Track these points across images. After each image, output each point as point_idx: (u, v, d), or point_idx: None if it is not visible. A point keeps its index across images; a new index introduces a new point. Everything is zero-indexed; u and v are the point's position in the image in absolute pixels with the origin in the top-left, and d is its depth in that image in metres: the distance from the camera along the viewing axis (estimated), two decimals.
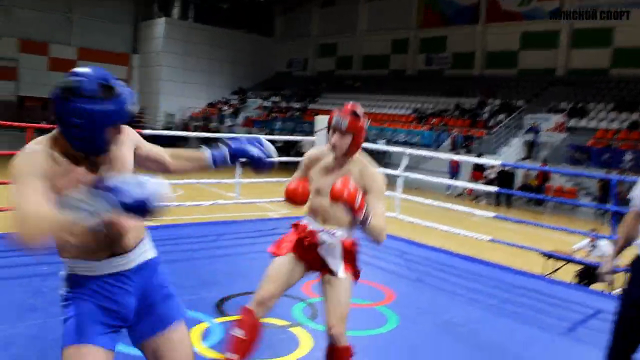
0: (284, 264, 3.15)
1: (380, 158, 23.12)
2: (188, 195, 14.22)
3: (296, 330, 3.98)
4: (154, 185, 1.73)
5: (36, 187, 1.75)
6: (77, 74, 1.83)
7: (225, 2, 39.98)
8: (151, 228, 6.94)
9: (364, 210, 2.71)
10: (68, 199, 1.64)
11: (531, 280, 5.99)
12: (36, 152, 1.84)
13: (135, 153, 2.12)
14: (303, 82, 36.63)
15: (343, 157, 2.99)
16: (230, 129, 31.54)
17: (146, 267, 2.09)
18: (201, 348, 3.56)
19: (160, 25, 37.54)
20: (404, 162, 7.75)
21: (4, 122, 6.69)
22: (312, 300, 4.63)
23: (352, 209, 2.68)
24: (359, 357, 3.58)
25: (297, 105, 33.26)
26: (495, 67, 28.78)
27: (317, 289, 4.86)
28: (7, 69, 35.65)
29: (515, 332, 4.44)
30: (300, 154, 25.48)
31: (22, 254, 5.30)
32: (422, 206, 8.16)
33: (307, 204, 3.12)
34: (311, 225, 3.09)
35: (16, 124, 6.63)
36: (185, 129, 33.33)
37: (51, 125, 10.55)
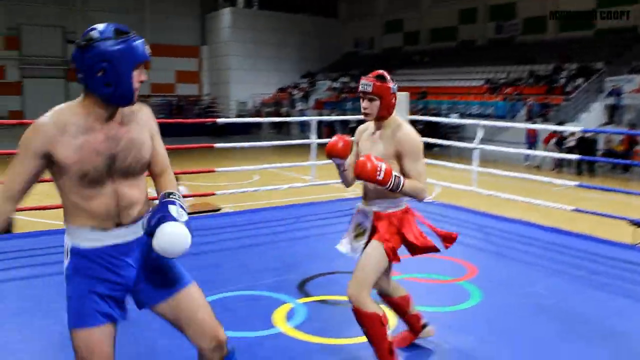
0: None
1: (454, 132, 22.76)
2: (264, 179, 14.49)
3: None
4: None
5: (22, 167, 1.93)
6: (93, 28, 1.96)
7: None
8: (234, 213, 7.16)
9: (390, 180, 2.77)
10: None
11: (621, 250, 5.75)
12: (40, 126, 1.93)
13: None
14: (370, 61, 36.33)
15: (378, 123, 3.07)
16: (301, 113, 31.74)
17: (146, 238, 2.05)
18: (286, 328, 3.64)
19: (226, 15, 38.07)
20: (479, 134, 7.59)
21: None
22: (394, 277, 4.62)
23: (376, 183, 2.78)
24: (444, 333, 3.57)
25: None
26: (570, 29, 27.58)
27: (397, 265, 4.88)
28: None
29: (607, 303, 4.27)
30: None
31: None
32: (500, 178, 7.98)
33: None
34: (361, 202, 3.22)
35: None
36: (258, 115, 33.81)
37: None
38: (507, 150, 8.69)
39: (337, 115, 26.07)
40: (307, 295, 4.23)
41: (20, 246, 5.33)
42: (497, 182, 10.72)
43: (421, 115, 18.21)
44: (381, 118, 3.03)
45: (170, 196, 2.08)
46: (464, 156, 19.78)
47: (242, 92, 37.28)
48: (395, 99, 3.06)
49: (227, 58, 37.98)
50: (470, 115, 22.90)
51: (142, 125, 2.13)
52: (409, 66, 32.70)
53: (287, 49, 39.01)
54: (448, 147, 12.01)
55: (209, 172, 7.41)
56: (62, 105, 2.02)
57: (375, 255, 3.00)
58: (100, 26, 1.96)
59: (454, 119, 19.54)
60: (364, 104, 3.01)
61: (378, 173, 2.74)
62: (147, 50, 2.05)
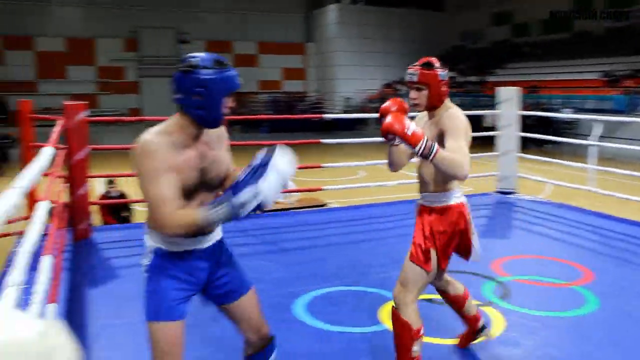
0: None
1: (568, 128, 21.71)
2: (370, 175, 14.50)
3: (487, 310, 3.90)
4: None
5: (169, 182, 2.08)
6: (195, 56, 2.15)
7: None
8: (341, 209, 7.22)
9: (422, 143, 2.56)
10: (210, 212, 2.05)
11: None
12: (161, 145, 2.10)
13: None
14: (478, 55, 35.40)
15: (431, 113, 2.92)
16: None
17: (217, 246, 2.34)
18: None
19: (332, 11, 38.38)
20: (596, 130, 7.21)
21: None
22: (503, 279, 4.51)
23: (403, 138, 2.58)
24: (556, 340, 3.44)
25: (473, 79, 32.24)
26: None
27: (507, 267, 4.75)
28: None
29: None
30: (481, 129, 24.54)
31: None
32: (619, 177, 7.55)
33: None
34: (419, 199, 3.12)
35: None
36: (363, 111, 33.87)
37: (237, 117, 11.18)
38: (627, 147, 8.19)
39: None
40: None
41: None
42: (615, 182, 10.15)
43: (532, 110, 17.54)
44: (432, 108, 2.88)
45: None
46: (578, 154, 18.88)
47: (348, 88, 37.47)
48: (447, 87, 2.88)
49: (333, 54, 38.30)
50: (585, 110, 21.77)
51: (221, 143, 2.34)
52: (518, 59, 31.52)
53: (393, 44, 38.78)
54: (561, 144, 11.48)
55: (315, 167, 7.53)
56: (158, 127, 2.18)
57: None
58: (202, 55, 2.16)
59: (568, 114, 18.67)
60: (411, 94, 2.85)
61: (407, 129, 2.56)
62: (240, 80, 2.21)
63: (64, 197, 5.39)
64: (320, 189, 7.61)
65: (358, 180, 12.78)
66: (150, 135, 2.12)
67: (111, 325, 3.62)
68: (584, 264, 4.91)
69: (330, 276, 4.59)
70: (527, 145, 11.43)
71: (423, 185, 2.99)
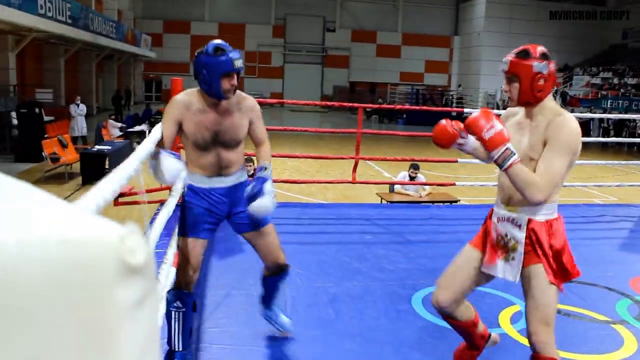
0: (463, 257, 2.82)
1: None
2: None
3: (619, 328, 3.64)
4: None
5: (168, 126, 2.83)
6: (208, 44, 2.80)
7: None
8: (473, 206, 7.04)
9: (499, 149, 2.26)
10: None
11: None
12: (176, 101, 2.87)
13: (249, 126, 2.99)
14: None
15: (529, 111, 2.48)
16: None
17: (239, 186, 2.95)
18: (510, 330, 3.51)
19: (480, 4, 37.23)
20: None
21: (340, 104, 7.52)
22: None
23: (479, 138, 2.29)
24: None
25: (632, 81, 29.91)
26: None
27: None
28: (342, 58, 39.32)
29: None
30: (637, 136, 22.73)
31: (337, 223, 5.85)
32: None
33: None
34: (496, 206, 2.64)
35: (348, 104, 7.45)
36: (505, 109, 32.66)
37: (377, 106, 11.50)
38: None
39: (593, 113, 24.11)
40: None
41: None
42: None
43: None
44: (527, 104, 2.45)
45: (265, 171, 2.95)
46: None
47: (491, 84, 36.25)
48: (547, 81, 2.41)
49: (478, 49, 37.21)
50: None
51: (243, 112, 2.93)
52: None
53: (542, 41, 36.68)
54: None
55: (450, 162, 7.38)
56: (190, 90, 2.90)
57: (545, 286, 2.44)
58: (210, 43, 2.80)
59: None
60: (504, 85, 2.49)
61: (487, 130, 2.26)
62: (239, 63, 2.75)
63: None
64: (454, 184, 7.45)
65: (493, 179, 12.35)
66: (181, 93, 2.90)
67: (230, 295, 3.79)
68: None
69: None
70: None
71: (517, 198, 2.48)
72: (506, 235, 2.53)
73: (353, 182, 6.51)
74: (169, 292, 2.88)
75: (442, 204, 8.10)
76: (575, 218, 6.75)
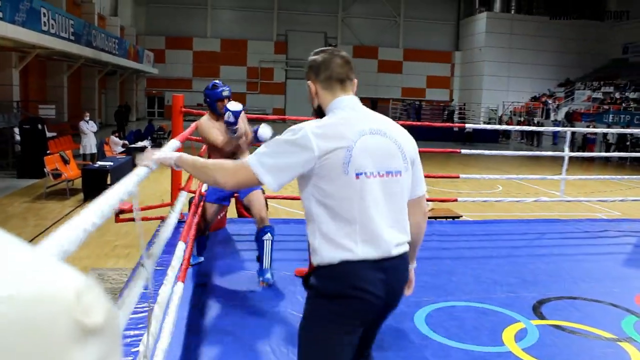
0: None
1: None
2: (506, 191, 13.96)
3: (626, 346, 3.59)
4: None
5: (216, 133, 4.63)
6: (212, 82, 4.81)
7: None
8: (475, 222, 7.02)
9: None
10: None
11: None
12: (205, 120, 4.73)
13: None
14: None
15: None
16: (554, 124, 29.98)
17: None
18: (515, 348, 3.46)
19: (481, 20, 37.42)
20: None
21: None
22: None
23: None
24: None
25: (633, 95, 29.93)
26: None
27: None
28: None
29: None
30: (639, 149, 22.67)
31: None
32: None
33: None
34: None
35: None
36: (507, 124, 32.68)
37: None
38: None
39: (594, 127, 24.10)
40: (541, 317, 3.97)
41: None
42: None
43: None
44: None
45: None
46: None
47: (492, 99, 36.37)
48: None
49: (480, 64, 37.34)
50: None
51: (243, 123, 4.68)
52: None
53: (543, 55, 37.04)
54: None
55: (453, 177, 7.35)
56: (206, 116, 4.78)
57: None
58: (211, 82, 4.82)
59: None
60: None
61: None
62: (226, 93, 4.69)
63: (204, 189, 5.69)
64: (456, 200, 7.43)
65: (495, 195, 12.33)
66: (204, 117, 4.75)
67: (230, 313, 3.76)
68: None
69: (455, 290, 4.46)
70: None
71: None
72: None
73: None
74: (263, 229, 4.37)
75: (444, 219, 8.07)
76: (579, 233, 6.71)
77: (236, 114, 4.37)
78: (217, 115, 4.62)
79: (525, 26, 36.90)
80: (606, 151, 23.33)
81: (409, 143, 2.11)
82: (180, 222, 4.83)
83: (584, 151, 24.04)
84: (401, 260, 2.03)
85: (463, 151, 7.35)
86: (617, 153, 20.29)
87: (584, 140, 25.33)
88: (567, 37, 37.16)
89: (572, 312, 4.09)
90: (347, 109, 2.07)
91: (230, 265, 4.86)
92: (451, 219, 8.34)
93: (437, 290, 4.42)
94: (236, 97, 4.97)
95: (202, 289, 4.23)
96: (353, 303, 1.92)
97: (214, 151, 4.60)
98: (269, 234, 4.36)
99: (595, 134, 23.43)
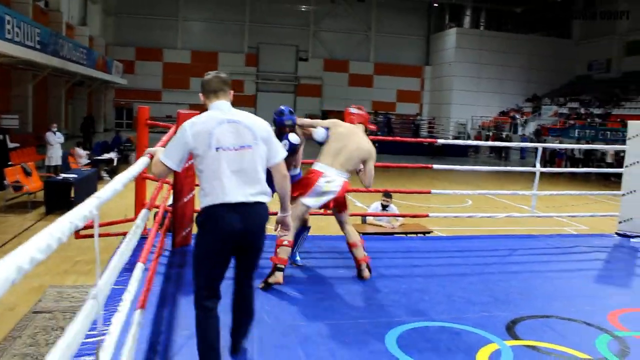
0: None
1: None
2: (477, 205, 13.97)
3: None
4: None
5: None
6: (280, 108, 5.10)
7: (518, 6, 38.69)
8: (446, 238, 6.97)
9: None
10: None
11: None
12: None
13: None
14: (605, 86, 33.50)
15: None
16: (522, 138, 30.34)
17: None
18: None
19: (451, 36, 37.85)
20: None
21: None
22: (621, 333, 4.06)
23: None
24: None
25: (597, 111, 30.49)
26: None
27: (626, 320, 4.29)
28: (314, 87, 39.50)
29: None
30: (604, 164, 23.11)
31: (308, 257, 5.68)
32: None
33: None
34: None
35: None
36: (477, 138, 33.00)
37: None
38: None
39: (561, 143, 24.45)
40: (515, 337, 3.87)
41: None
42: None
43: None
44: None
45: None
46: None
47: (462, 113, 36.72)
48: None
49: (449, 79, 37.71)
50: None
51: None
52: None
53: (512, 71, 37.60)
54: None
55: (424, 193, 7.28)
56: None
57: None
58: (279, 108, 5.05)
59: None
60: None
61: None
62: (289, 122, 4.98)
63: (168, 204, 5.51)
64: (427, 216, 7.36)
65: (466, 209, 12.32)
66: None
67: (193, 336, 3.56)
68: None
69: (428, 310, 4.34)
70: None
71: None
72: None
73: (324, 213, 6.35)
74: (304, 229, 4.91)
75: (415, 235, 7.99)
76: (550, 249, 6.68)
77: (293, 147, 4.62)
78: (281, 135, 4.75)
79: (494, 42, 37.42)
80: (572, 166, 23.66)
81: (259, 127, 3.09)
82: (143, 237, 4.62)
83: (552, 165, 24.35)
84: (254, 206, 2.95)
85: (435, 166, 7.30)
86: (584, 169, 20.56)
87: (552, 155, 25.69)
88: (535, 53, 37.79)
89: (545, 332, 4.00)
90: (215, 109, 3.09)
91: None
92: (422, 234, 8.27)
93: (409, 310, 4.30)
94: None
95: (167, 309, 4.02)
96: (214, 230, 2.88)
97: None
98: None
99: (564, 149, 23.75)
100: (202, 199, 2.96)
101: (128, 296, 2.38)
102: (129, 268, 3.56)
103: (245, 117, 3.09)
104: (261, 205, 3.00)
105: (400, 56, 40.36)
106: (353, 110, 5.19)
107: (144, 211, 3.88)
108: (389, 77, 40.17)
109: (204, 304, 2.93)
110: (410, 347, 3.58)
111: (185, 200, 5.44)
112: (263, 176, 3.03)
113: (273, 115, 5.01)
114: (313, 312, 4.10)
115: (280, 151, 3.20)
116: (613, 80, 34.30)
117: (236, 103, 2.99)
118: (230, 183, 2.89)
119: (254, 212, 2.96)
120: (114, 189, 2.21)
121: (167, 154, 3.02)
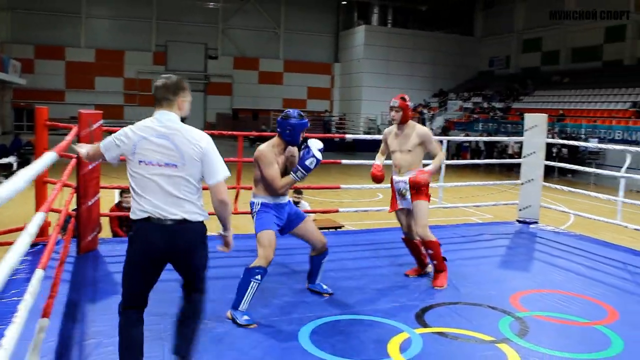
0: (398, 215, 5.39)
1: (593, 158, 21.29)
2: (386, 199, 14.26)
3: (503, 347, 3.67)
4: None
5: (275, 167, 4.18)
6: (289, 111, 4.30)
7: (424, 4, 39.82)
8: (356, 232, 7.12)
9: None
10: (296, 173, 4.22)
11: None
12: (268, 149, 4.22)
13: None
14: (506, 81, 35.09)
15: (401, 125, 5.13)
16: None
17: (289, 203, 4.43)
18: (400, 359, 3.43)
19: (359, 33, 38.42)
20: (627, 161, 6.97)
21: (222, 132, 7.34)
22: (521, 314, 4.28)
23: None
24: None
25: (499, 105, 31.90)
26: None
27: (526, 301, 4.52)
28: (224, 85, 39.08)
29: None
30: (505, 156, 24.24)
31: (218, 257, 5.62)
32: None
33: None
34: (394, 176, 5.14)
35: (229, 133, 7.32)
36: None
37: (259, 133, 10.98)
38: None
39: (467, 136, 25.38)
40: (425, 325, 3.99)
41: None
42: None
43: (558, 138, 17.21)
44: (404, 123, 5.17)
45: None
46: (601, 184, 18.51)
47: (372, 109, 37.34)
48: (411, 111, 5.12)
49: (359, 75, 38.28)
50: (612, 141, 21.35)
51: (294, 153, 4.39)
52: (546, 87, 31.19)
53: (420, 67, 38.63)
54: (584, 173, 11.17)
55: (334, 188, 7.36)
56: (269, 142, 4.29)
57: (426, 204, 5.15)
58: (292, 110, 4.30)
59: (596, 144, 18.32)
60: (392, 113, 5.17)
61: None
62: (309, 123, 4.35)
63: (72, 208, 5.29)
64: (337, 211, 7.44)
65: (376, 203, 12.57)
66: (264, 146, 4.24)
67: (104, 344, 3.44)
68: (608, 302, 4.65)
69: (340, 303, 4.40)
70: (548, 174, 11.18)
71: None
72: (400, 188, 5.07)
73: (235, 212, 6.29)
74: (255, 268, 3.98)
75: (327, 230, 8.07)
76: (457, 238, 6.93)
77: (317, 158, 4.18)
78: (293, 144, 4.27)
79: (401, 39, 38.28)
80: (477, 158, 24.63)
81: (191, 146, 2.88)
82: (35, 245, 4.41)
83: (458, 158, 25.25)
84: (181, 225, 2.87)
85: (344, 162, 7.41)
86: (486, 160, 21.44)
87: (458, 148, 26.62)
88: (440, 50, 38.98)
89: (453, 318, 4.15)
90: (154, 120, 2.93)
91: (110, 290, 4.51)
92: (333, 229, 8.37)
93: (321, 305, 4.34)
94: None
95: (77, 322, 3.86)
96: (138, 247, 2.88)
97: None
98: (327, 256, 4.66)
99: (469, 142, 24.66)
100: (132, 210, 2.95)
101: (24, 305, 2.26)
102: (27, 278, 3.40)
103: (179, 133, 2.88)
104: (189, 224, 2.89)
105: (310, 53, 40.58)
106: None
107: (38, 214, 3.70)
108: (299, 75, 40.30)
109: (126, 311, 2.95)
110: (322, 342, 3.62)
111: (90, 203, 5.24)
112: (191, 196, 2.90)
113: (287, 121, 4.21)
114: (224, 312, 4.05)
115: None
116: (512, 75, 35.96)
117: (146, 103, 2.87)
118: (156, 199, 2.84)
119: (181, 231, 2.87)
120: (15, 188, 2.00)
121: (106, 144, 3.03)
